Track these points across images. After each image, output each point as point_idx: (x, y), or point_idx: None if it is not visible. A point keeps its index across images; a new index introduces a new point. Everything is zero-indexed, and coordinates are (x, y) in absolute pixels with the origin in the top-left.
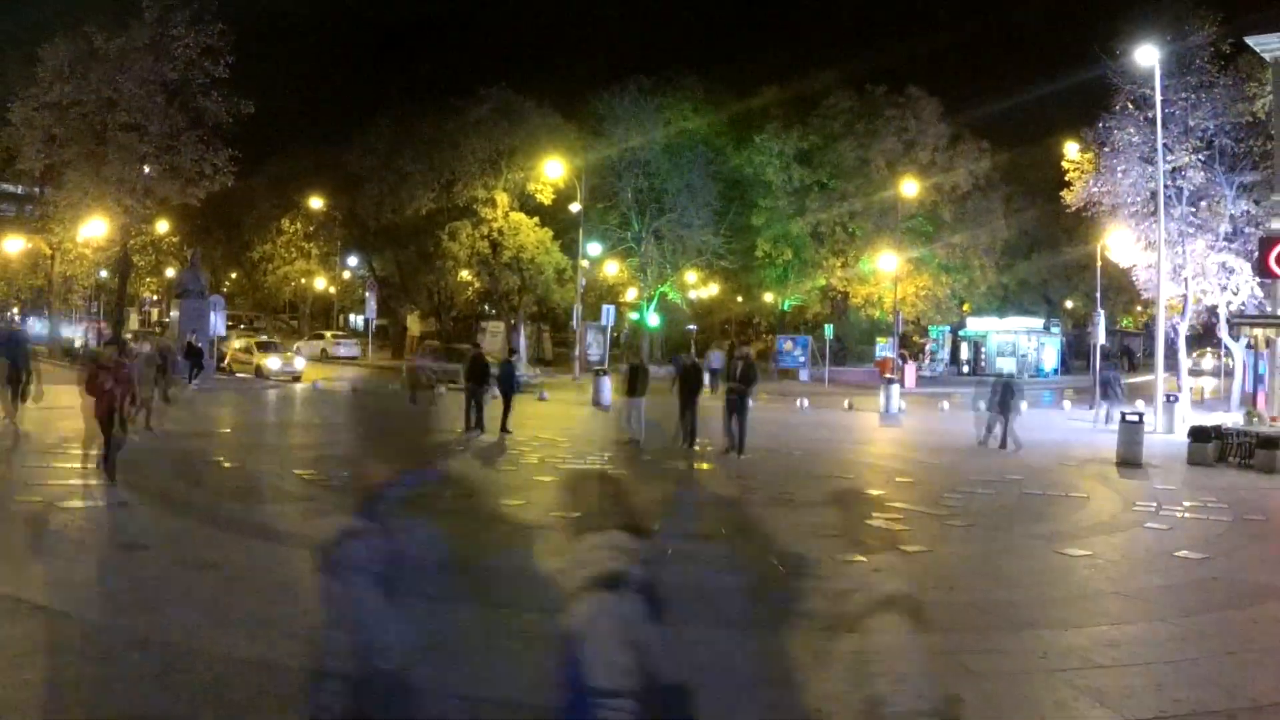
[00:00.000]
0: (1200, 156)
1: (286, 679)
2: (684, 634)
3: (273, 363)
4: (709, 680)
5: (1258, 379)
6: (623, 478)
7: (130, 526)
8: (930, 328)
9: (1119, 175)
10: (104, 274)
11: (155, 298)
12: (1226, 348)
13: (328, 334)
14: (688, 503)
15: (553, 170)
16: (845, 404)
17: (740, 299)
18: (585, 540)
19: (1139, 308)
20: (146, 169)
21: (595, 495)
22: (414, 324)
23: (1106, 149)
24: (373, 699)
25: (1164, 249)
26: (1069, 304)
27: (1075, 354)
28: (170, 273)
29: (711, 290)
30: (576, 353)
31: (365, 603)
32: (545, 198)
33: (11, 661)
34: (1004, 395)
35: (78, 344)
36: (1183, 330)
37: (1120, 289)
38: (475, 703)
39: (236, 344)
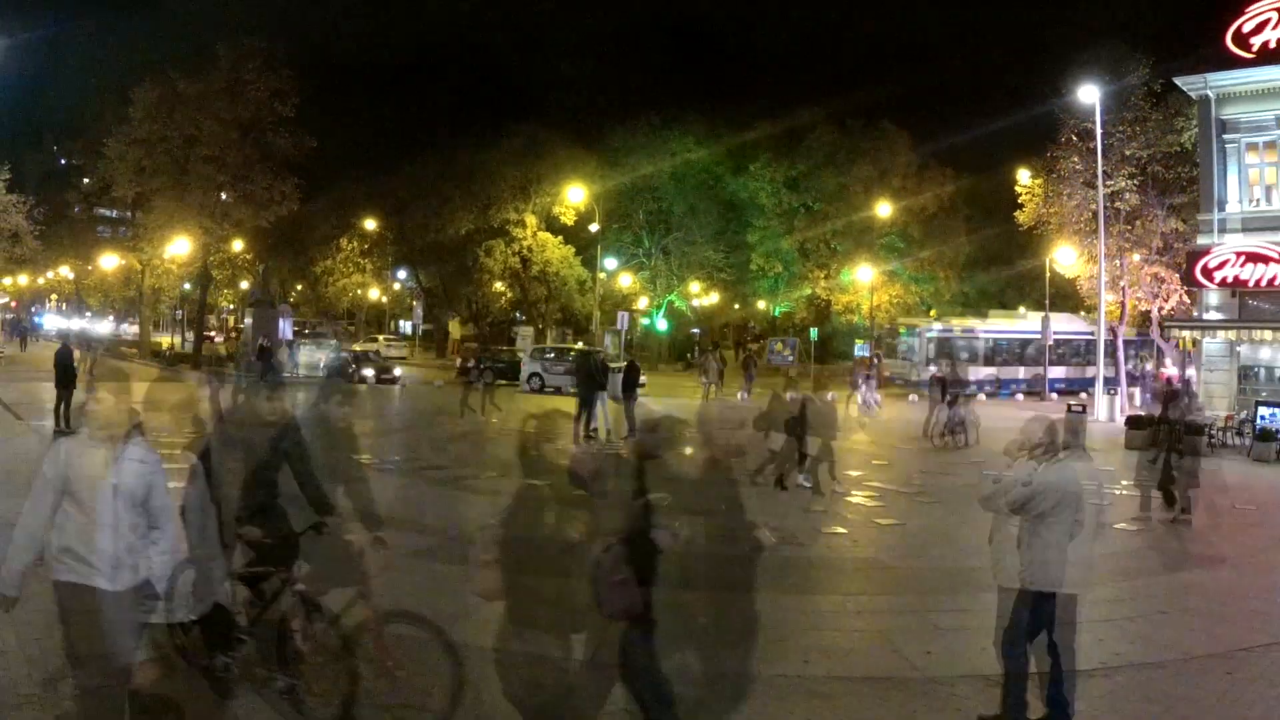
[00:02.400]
0: (1135, 182)
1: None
2: (684, 597)
3: (368, 372)
4: (706, 635)
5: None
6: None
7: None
8: (901, 330)
9: (1065, 198)
10: (187, 286)
11: (231, 307)
12: (1159, 348)
13: (380, 338)
14: (683, 481)
15: (574, 195)
16: (828, 396)
17: (737, 306)
18: (601, 514)
19: (1083, 313)
20: (223, 196)
21: (622, 479)
22: (455, 329)
23: (1054, 175)
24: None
25: (1104, 262)
26: (1022, 309)
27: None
28: (244, 285)
29: (712, 298)
30: None
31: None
32: (568, 219)
33: (93, 619)
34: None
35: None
36: (1121, 333)
37: (1066, 297)
38: (506, 655)
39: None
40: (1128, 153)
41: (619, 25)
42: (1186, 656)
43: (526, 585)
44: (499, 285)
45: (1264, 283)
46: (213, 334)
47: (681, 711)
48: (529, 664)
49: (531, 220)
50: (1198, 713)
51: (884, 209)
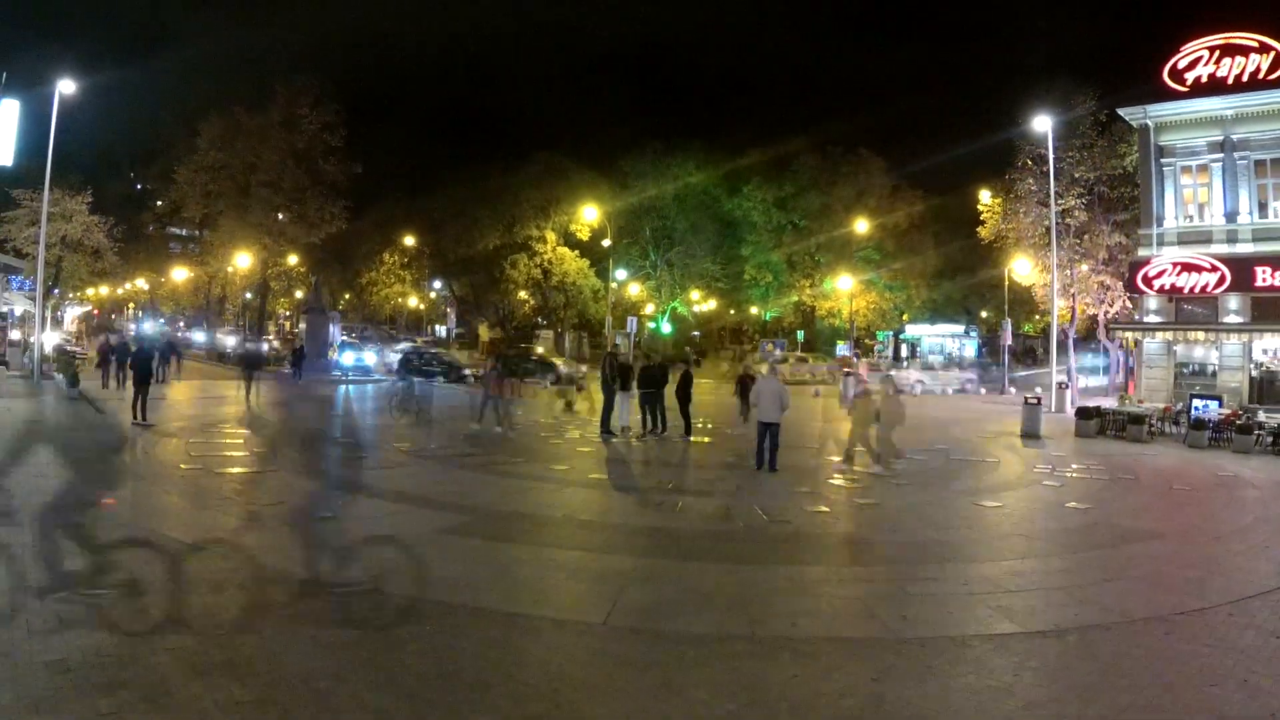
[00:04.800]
0: (1084, 201)
1: (376, 601)
2: (686, 567)
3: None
4: (709, 601)
5: (1128, 371)
6: (648, 453)
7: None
8: (878, 333)
9: (1021, 215)
10: (248, 295)
11: (288, 314)
12: (1105, 347)
13: (419, 341)
14: (690, 468)
15: (589, 214)
16: (813, 391)
17: (732, 311)
18: (615, 496)
19: (1037, 316)
20: (280, 216)
21: (634, 465)
22: (484, 333)
23: (1012, 195)
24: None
25: (1056, 272)
26: (984, 314)
27: (989, 353)
28: (299, 294)
29: (711, 305)
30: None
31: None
32: (583, 235)
33: (172, 588)
34: None
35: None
36: (1071, 334)
37: (1023, 302)
38: (530, 619)
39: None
40: (1077, 175)
41: (626, 65)
42: (1129, 619)
43: None
44: (523, 294)
45: (1197, 290)
46: (271, 338)
47: (682, 666)
48: (551, 627)
49: (551, 236)
50: (1138, 669)
51: (861, 225)
